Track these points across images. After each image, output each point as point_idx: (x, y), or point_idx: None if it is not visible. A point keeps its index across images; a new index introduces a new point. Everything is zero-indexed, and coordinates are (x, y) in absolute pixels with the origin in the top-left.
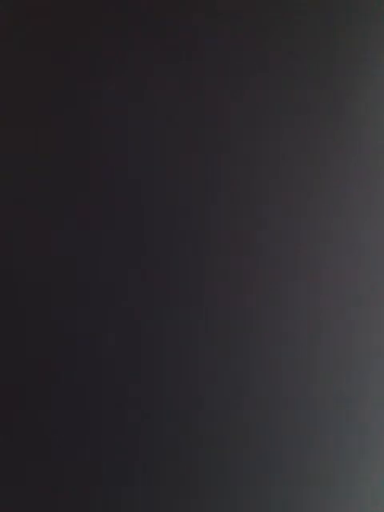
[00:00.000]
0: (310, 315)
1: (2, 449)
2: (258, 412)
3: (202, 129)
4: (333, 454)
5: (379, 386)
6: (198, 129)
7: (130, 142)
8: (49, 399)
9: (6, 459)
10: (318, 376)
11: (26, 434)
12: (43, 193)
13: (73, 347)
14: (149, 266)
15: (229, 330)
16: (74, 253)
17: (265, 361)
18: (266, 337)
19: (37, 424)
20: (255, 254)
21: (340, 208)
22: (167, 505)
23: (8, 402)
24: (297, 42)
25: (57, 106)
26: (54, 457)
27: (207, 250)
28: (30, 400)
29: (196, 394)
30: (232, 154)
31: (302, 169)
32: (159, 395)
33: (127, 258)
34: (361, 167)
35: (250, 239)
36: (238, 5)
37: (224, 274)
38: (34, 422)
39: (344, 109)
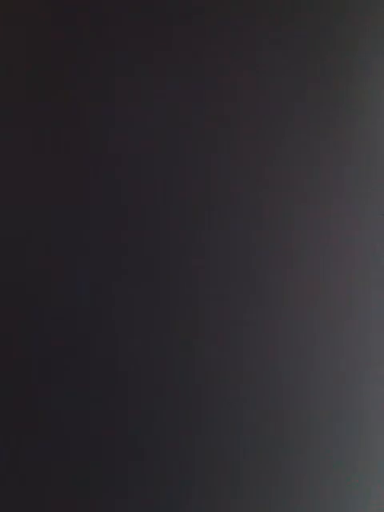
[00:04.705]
0: (309, 315)
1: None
2: (258, 414)
3: (202, 129)
4: (333, 456)
5: (379, 382)
6: (198, 129)
7: (130, 142)
8: (48, 398)
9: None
10: (318, 376)
11: (26, 427)
12: (43, 193)
13: (71, 346)
14: (149, 265)
15: (228, 330)
16: (73, 252)
17: (264, 362)
18: (265, 337)
19: (36, 422)
20: (255, 254)
21: (340, 207)
22: (167, 504)
23: (8, 403)
24: (297, 42)
25: (57, 106)
26: (53, 456)
27: (207, 250)
28: (29, 398)
29: (196, 394)
30: (232, 154)
31: (301, 169)
32: (160, 398)
33: (127, 257)
34: (360, 167)
35: (249, 239)
36: (238, 5)
37: (224, 274)
38: (33, 419)
39: (344, 109)
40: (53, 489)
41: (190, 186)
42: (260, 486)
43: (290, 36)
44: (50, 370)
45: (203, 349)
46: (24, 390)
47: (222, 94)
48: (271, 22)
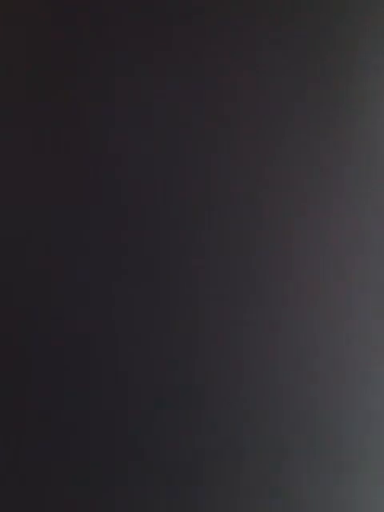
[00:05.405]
0: (309, 315)
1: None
2: (258, 414)
3: (202, 129)
4: (335, 456)
5: (378, 380)
6: (198, 129)
7: (131, 142)
8: (48, 398)
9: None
10: (318, 376)
11: (26, 426)
12: (43, 193)
13: (71, 346)
14: (149, 265)
15: (228, 330)
16: (73, 252)
17: (264, 362)
18: (265, 337)
19: (36, 422)
20: (255, 254)
21: (340, 207)
22: (166, 504)
23: (8, 403)
24: (297, 42)
25: (57, 106)
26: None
27: (207, 250)
28: (29, 398)
29: (196, 394)
30: (232, 154)
31: (301, 169)
32: (160, 398)
33: (127, 257)
34: (360, 167)
35: (249, 239)
36: (238, 5)
37: (224, 274)
38: (33, 419)
39: (344, 109)
40: (53, 489)
41: (189, 185)
42: (260, 485)
43: (290, 36)
44: (50, 370)
45: (203, 349)
46: (24, 389)
47: (222, 93)
48: (271, 22)
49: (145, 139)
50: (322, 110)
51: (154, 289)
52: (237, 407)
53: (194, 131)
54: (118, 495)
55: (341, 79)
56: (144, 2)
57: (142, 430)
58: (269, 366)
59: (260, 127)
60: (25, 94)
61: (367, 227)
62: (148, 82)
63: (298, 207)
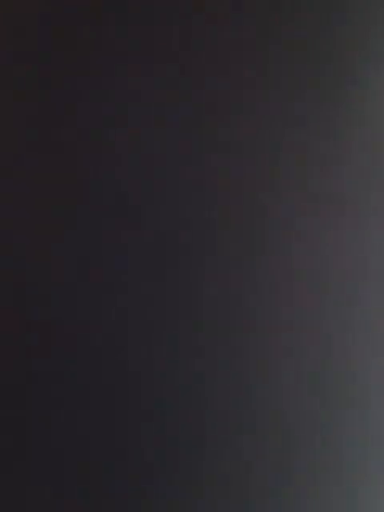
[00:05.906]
0: (309, 315)
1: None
2: (259, 414)
3: (202, 129)
4: (337, 458)
5: (379, 384)
6: (198, 129)
7: (131, 142)
8: (48, 399)
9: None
10: (320, 377)
11: (27, 428)
12: (43, 193)
13: (71, 346)
14: (149, 265)
15: (228, 330)
16: (73, 252)
17: (265, 362)
18: (265, 337)
19: (36, 423)
20: (255, 254)
21: (339, 207)
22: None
23: (8, 403)
24: (297, 42)
25: (57, 106)
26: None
27: (207, 250)
28: (29, 398)
29: (196, 394)
30: (232, 154)
31: (301, 169)
32: (160, 398)
33: (127, 257)
34: (360, 167)
35: (249, 239)
36: (238, 5)
37: (224, 274)
38: (33, 420)
39: (344, 109)
40: (52, 489)
41: (189, 185)
42: (263, 485)
43: (290, 36)
44: (49, 371)
45: (203, 349)
46: (24, 390)
47: (221, 93)
48: (271, 22)
49: (145, 139)
50: (322, 110)
51: (153, 289)
52: (237, 407)
53: (193, 131)
54: (117, 498)
55: (341, 79)
56: (144, 1)
57: (142, 430)
58: (269, 367)
59: (260, 127)
60: (25, 93)
61: (367, 227)
62: (148, 82)
63: (298, 207)
